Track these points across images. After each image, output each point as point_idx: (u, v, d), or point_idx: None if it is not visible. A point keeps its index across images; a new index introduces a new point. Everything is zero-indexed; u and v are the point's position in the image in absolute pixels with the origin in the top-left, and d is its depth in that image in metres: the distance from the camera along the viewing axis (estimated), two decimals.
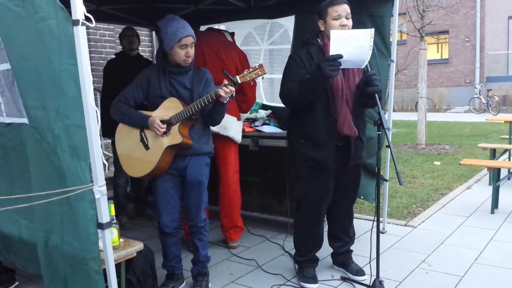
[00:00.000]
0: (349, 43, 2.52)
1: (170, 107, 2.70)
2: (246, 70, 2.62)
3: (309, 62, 2.79)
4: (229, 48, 3.66)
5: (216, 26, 4.74)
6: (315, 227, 3.07)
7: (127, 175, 4.33)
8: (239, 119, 3.69)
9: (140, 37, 4.52)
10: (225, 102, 2.66)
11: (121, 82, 3.84)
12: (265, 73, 2.61)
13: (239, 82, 2.59)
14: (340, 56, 2.52)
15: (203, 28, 4.55)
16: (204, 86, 2.80)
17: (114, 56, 4.55)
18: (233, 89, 2.60)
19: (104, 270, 2.03)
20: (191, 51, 2.71)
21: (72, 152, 1.99)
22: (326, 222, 3.27)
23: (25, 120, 2.20)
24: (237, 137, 3.64)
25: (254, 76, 2.59)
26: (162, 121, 2.68)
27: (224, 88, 2.57)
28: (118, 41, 4.55)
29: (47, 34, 1.91)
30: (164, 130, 2.67)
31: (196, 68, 2.86)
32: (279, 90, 2.87)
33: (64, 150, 2.02)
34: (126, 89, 2.80)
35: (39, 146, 2.13)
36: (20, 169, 2.35)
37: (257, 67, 2.60)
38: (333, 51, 2.52)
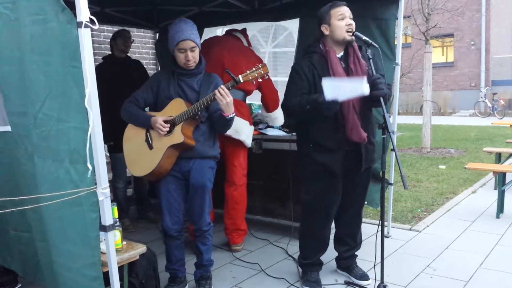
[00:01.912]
0: (342, 87, 2.61)
1: (174, 107, 2.72)
2: (249, 69, 2.61)
3: (312, 72, 2.78)
4: (248, 56, 3.66)
5: (220, 28, 4.75)
6: (321, 231, 3.05)
7: (125, 179, 4.34)
8: (251, 123, 3.70)
9: (144, 39, 4.50)
10: (227, 117, 2.65)
11: (116, 87, 3.83)
12: (268, 72, 2.60)
13: (242, 81, 2.58)
14: (336, 101, 2.59)
15: (207, 30, 4.56)
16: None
17: (102, 60, 4.38)
18: (227, 91, 2.57)
19: (107, 272, 2.02)
20: (192, 55, 2.70)
21: (67, 156, 1.93)
22: (334, 225, 3.25)
23: (8, 128, 2.16)
24: (248, 141, 3.64)
25: (256, 75, 2.58)
26: (166, 121, 2.69)
27: (219, 89, 2.56)
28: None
29: (49, 37, 1.88)
30: (167, 129, 2.68)
31: (207, 73, 2.87)
32: (283, 100, 2.90)
33: (46, 155, 1.96)
34: (137, 90, 2.84)
35: (22, 153, 2.09)
36: (5, 178, 2.30)
37: (259, 66, 2.59)
38: (328, 95, 2.56)
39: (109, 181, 4.39)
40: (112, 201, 2.02)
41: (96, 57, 2.05)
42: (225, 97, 2.56)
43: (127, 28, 4.37)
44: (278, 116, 3.94)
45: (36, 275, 2.35)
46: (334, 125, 2.78)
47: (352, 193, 3.03)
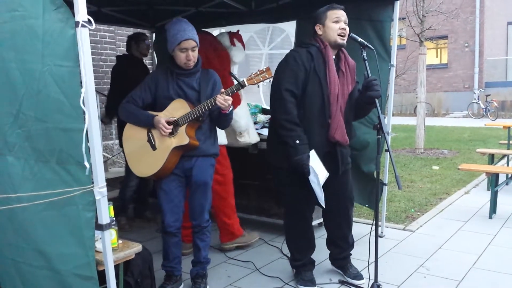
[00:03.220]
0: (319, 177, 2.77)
1: (177, 108, 2.73)
2: (254, 73, 2.64)
3: (309, 63, 2.77)
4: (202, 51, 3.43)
5: (217, 30, 4.75)
6: (306, 232, 3.09)
7: (138, 180, 4.32)
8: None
9: None
10: (227, 112, 2.69)
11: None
12: (272, 76, 2.64)
13: (247, 85, 2.62)
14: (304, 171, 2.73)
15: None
16: (213, 88, 2.82)
17: (116, 59, 4.48)
18: (228, 98, 2.60)
19: (103, 271, 2.02)
20: (192, 54, 2.73)
21: (52, 157, 1.89)
22: (325, 229, 3.27)
23: None
24: (222, 141, 3.54)
25: (261, 79, 2.63)
26: (169, 122, 2.70)
27: (220, 96, 2.59)
28: (125, 43, 4.43)
29: (26, 33, 1.84)
30: (170, 131, 2.69)
31: (204, 70, 2.89)
32: (271, 88, 2.82)
33: (28, 155, 1.90)
34: (134, 90, 2.84)
35: None
36: None
37: (264, 70, 2.63)
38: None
39: (109, 179, 4.39)
40: (111, 199, 2.02)
41: (92, 56, 2.03)
42: (226, 101, 2.60)
43: (125, 28, 4.39)
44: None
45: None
46: (320, 123, 2.79)
47: (336, 196, 3.05)
